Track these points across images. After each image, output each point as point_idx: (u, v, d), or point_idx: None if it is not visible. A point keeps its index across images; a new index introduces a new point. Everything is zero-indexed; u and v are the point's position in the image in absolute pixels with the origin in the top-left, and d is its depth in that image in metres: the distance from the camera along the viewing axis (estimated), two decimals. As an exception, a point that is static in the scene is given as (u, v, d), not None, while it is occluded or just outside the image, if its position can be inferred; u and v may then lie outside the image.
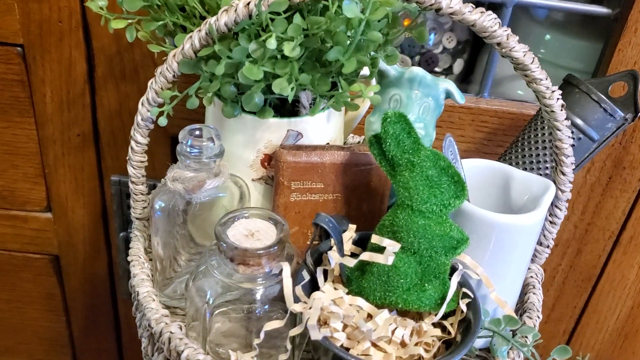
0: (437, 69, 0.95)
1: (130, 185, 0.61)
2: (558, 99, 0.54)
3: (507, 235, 0.55)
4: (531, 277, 0.63)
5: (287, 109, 0.59)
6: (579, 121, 0.65)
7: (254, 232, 0.52)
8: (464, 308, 0.51)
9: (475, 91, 0.84)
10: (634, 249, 0.89)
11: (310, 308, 0.47)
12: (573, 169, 0.64)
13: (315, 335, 0.45)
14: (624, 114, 0.64)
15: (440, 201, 0.51)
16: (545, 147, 0.65)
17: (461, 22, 0.50)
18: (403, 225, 0.50)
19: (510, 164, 0.67)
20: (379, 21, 0.51)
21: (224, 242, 0.51)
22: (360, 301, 0.50)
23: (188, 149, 0.55)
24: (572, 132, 0.65)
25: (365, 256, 0.49)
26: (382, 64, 0.61)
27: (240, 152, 0.60)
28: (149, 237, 0.64)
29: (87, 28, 0.76)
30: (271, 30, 0.49)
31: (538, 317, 0.59)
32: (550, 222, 0.61)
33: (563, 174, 0.58)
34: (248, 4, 0.49)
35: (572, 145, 0.62)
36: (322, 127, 0.60)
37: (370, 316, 0.50)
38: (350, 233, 0.55)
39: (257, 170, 0.60)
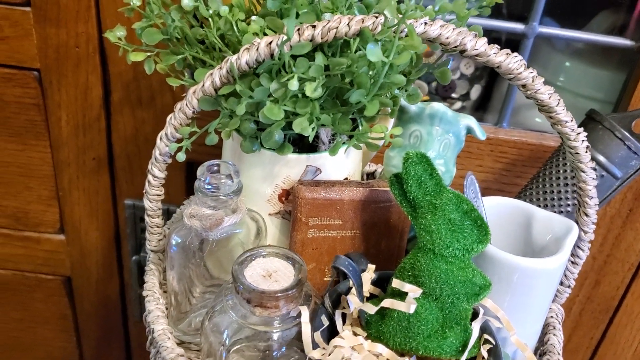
0: (454, 95, 0.94)
1: (147, 218, 0.60)
2: (583, 140, 0.53)
3: (529, 279, 0.54)
4: (552, 317, 0.62)
5: (305, 144, 0.59)
6: (602, 158, 0.63)
7: (271, 272, 0.52)
8: (485, 355, 0.50)
9: (493, 120, 0.83)
10: (654, 281, 0.88)
11: (329, 354, 0.47)
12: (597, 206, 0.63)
13: (334, 385, 0.44)
14: (648, 152, 0.63)
15: (463, 246, 0.50)
16: (567, 184, 0.64)
17: (486, 63, 0.49)
18: (425, 269, 0.49)
19: (531, 200, 0.66)
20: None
21: (241, 283, 0.50)
22: (380, 347, 0.49)
23: (206, 186, 0.54)
24: (595, 170, 0.64)
25: (387, 303, 0.48)
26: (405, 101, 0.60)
27: (258, 186, 0.59)
28: (164, 270, 0.63)
29: (104, 54, 0.76)
30: (293, 71, 0.48)
31: (558, 359, 0.58)
32: (572, 262, 0.60)
33: (586, 215, 0.57)
34: (270, 43, 0.49)
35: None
36: (341, 163, 0.59)
37: (389, 362, 0.49)
38: (369, 274, 0.54)
39: (274, 205, 0.60)
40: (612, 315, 0.93)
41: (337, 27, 0.48)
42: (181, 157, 0.54)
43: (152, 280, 0.61)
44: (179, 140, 0.55)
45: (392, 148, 0.63)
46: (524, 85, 0.50)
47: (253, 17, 0.55)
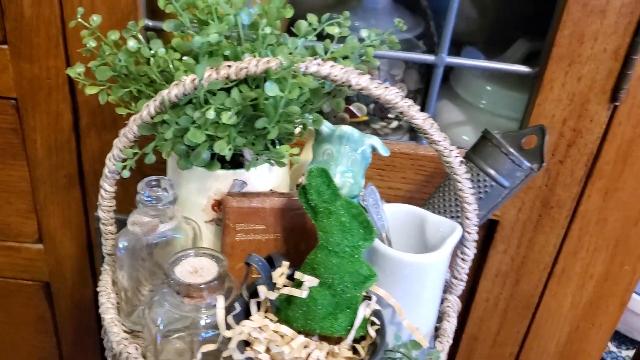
0: (390, 115, 1.05)
1: (101, 226, 0.71)
2: (456, 156, 0.64)
3: (414, 272, 0.65)
4: (448, 306, 0.73)
5: (236, 161, 0.70)
6: (491, 171, 0.74)
7: (198, 269, 0.63)
8: (373, 334, 0.61)
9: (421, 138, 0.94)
10: (567, 280, 0.99)
11: (239, 333, 0.57)
12: (489, 212, 0.74)
13: (237, 356, 0.55)
14: (530, 165, 0.74)
15: (351, 243, 0.61)
16: (462, 193, 0.75)
17: (370, 96, 0.61)
18: (321, 263, 0.60)
19: (434, 207, 0.77)
20: (299, 96, 0.61)
21: (172, 278, 0.61)
22: (284, 328, 0.60)
23: (145, 199, 0.65)
24: (486, 180, 0.75)
25: (285, 290, 0.59)
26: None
27: (194, 198, 0.70)
28: (118, 270, 0.74)
29: (72, 84, 0.87)
30: (211, 103, 0.59)
31: (448, 341, 0.69)
32: (462, 259, 0.71)
33: (467, 218, 0.68)
34: (193, 80, 0.60)
35: (486, 192, 0.72)
36: (265, 177, 0.70)
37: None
38: (283, 269, 0.65)
39: (208, 214, 0.71)
40: (534, 311, 1.03)
41: (247, 67, 0.59)
42: (126, 174, 0.65)
43: (105, 278, 0.72)
44: (124, 160, 0.66)
45: (311, 163, 0.74)
46: (401, 112, 0.62)
47: (184, 57, 0.66)
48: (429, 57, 0.85)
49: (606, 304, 1.01)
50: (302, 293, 0.58)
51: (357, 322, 0.60)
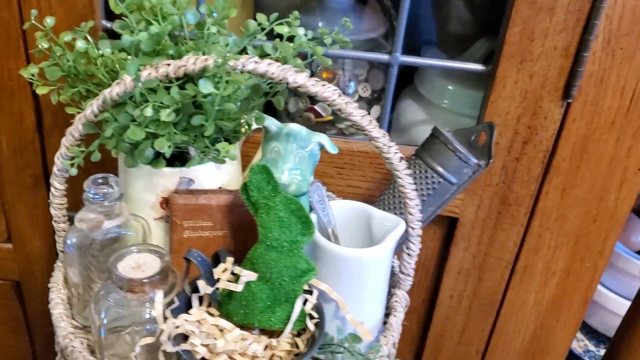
0: (355, 115, 1.06)
1: (54, 224, 0.72)
2: (396, 152, 0.65)
3: (356, 266, 0.66)
4: (396, 301, 0.74)
5: (184, 159, 0.71)
6: (439, 168, 0.75)
7: (141, 264, 0.64)
8: (312, 327, 0.62)
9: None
10: (529, 277, 0.99)
11: (177, 326, 0.58)
12: (437, 208, 0.75)
13: (169, 348, 0.56)
14: (477, 161, 0.75)
15: (289, 238, 0.62)
16: (412, 190, 0.76)
17: (308, 93, 0.62)
18: (259, 258, 0.61)
19: (384, 204, 0.78)
20: (234, 93, 0.62)
21: (114, 274, 0.62)
22: (222, 322, 0.61)
23: (92, 196, 0.66)
24: (434, 177, 0.76)
25: (222, 284, 0.60)
26: (267, 122, 0.72)
27: (143, 195, 0.71)
28: (73, 267, 0.75)
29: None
30: (148, 100, 0.60)
31: (392, 335, 0.70)
32: (408, 254, 0.72)
33: (410, 214, 0.69)
34: (134, 79, 0.61)
35: (434, 189, 0.73)
36: (213, 174, 0.71)
37: (232, 334, 0.61)
38: (227, 265, 0.66)
39: (157, 211, 0.72)
40: (499, 308, 1.04)
41: (185, 65, 0.61)
42: (73, 171, 0.67)
43: (57, 275, 0.73)
44: (72, 158, 0.67)
45: (260, 161, 0.75)
46: (339, 110, 0.63)
47: (129, 57, 0.67)
48: (383, 57, 0.86)
49: (569, 301, 1.01)
50: (238, 287, 0.59)
51: (294, 315, 0.61)
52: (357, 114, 0.63)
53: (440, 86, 1.01)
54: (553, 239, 0.95)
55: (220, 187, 0.73)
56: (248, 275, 0.60)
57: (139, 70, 0.58)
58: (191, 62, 0.60)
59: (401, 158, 0.66)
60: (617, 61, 0.79)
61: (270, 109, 0.80)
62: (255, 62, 0.61)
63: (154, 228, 0.72)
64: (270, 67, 0.61)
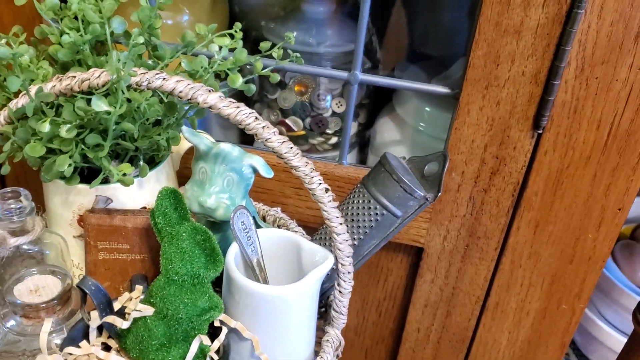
0: (328, 131, 1.01)
1: (-29, 235, 0.69)
2: (320, 183, 0.59)
3: (275, 304, 0.60)
4: (327, 340, 0.68)
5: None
6: (382, 199, 0.69)
7: (40, 287, 0.60)
8: (211, 369, 0.57)
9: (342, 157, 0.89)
10: (501, 315, 0.92)
11: (60, 360, 0.54)
12: (381, 241, 0.70)
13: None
14: (423, 194, 0.69)
15: (190, 272, 0.57)
16: (353, 220, 0.70)
17: (220, 115, 0.57)
18: (157, 292, 0.57)
19: (325, 234, 0.73)
20: (135, 111, 0.58)
21: (7, 298, 0.58)
22: (114, 357, 0.57)
23: (-1, 211, 0.63)
24: (377, 208, 0.70)
25: (109, 319, 0.56)
26: (197, 139, 0.67)
27: (60, 211, 0.67)
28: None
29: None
30: (46, 116, 0.56)
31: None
32: (339, 291, 0.66)
33: (339, 249, 0.63)
34: (26, 93, 0.57)
35: (377, 220, 0.68)
36: (134, 193, 0.67)
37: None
38: (136, 293, 0.62)
39: (76, 229, 0.68)
40: (470, 346, 0.97)
41: (89, 79, 0.56)
42: (-17, 183, 0.63)
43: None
44: (-16, 168, 0.63)
45: (188, 183, 0.70)
46: (256, 134, 0.57)
47: (44, 65, 0.63)
48: (342, 74, 0.80)
49: (546, 343, 0.94)
50: (123, 324, 0.54)
51: (189, 356, 0.56)
52: (275, 140, 0.57)
53: (416, 107, 0.95)
54: (526, 277, 0.88)
55: (144, 207, 0.69)
56: (143, 310, 0.56)
57: (29, 84, 0.54)
58: (95, 76, 0.56)
59: (326, 189, 0.60)
60: (592, 91, 0.72)
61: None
62: (163, 78, 0.56)
63: (74, 246, 0.68)
64: (179, 85, 0.56)
